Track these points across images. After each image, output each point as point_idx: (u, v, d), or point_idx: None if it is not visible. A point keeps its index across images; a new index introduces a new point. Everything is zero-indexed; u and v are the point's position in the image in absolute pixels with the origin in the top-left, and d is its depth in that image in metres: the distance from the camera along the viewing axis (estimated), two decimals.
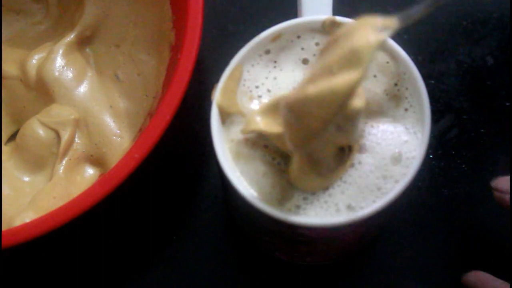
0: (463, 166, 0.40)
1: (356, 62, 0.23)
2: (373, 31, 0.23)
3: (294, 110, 0.25)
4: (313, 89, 0.24)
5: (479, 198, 0.39)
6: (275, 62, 0.31)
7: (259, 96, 0.30)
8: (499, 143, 0.40)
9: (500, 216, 0.38)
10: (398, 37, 0.30)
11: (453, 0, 0.42)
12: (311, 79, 0.24)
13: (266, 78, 0.31)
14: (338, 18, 0.31)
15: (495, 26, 0.42)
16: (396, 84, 0.30)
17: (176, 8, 0.36)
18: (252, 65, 0.31)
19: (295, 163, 0.28)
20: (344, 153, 0.29)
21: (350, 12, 0.33)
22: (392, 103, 0.30)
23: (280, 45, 0.31)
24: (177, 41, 0.36)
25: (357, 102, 0.26)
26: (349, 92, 0.23)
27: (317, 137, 0.25)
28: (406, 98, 0.29)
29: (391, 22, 0.24)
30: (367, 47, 0.23)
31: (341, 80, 0.23)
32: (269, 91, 0.30)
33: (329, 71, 0.24)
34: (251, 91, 0.30)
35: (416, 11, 0.24)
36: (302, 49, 0.31)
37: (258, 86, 0.30)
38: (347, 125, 0.27)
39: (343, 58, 0.23)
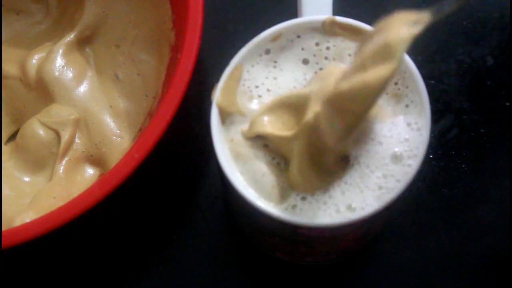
0: (463, 166, 0.40)
1: (388, 57, 0.23)
2: (405, 25, 0.24)
3: (332, 106, 0.25)
4: (346, 85, 0.24)
5: (479, 198, 0.39)
6: (275, 62, 0.31)
7: (259, 96, 0.30)
8: (499, 143, 0.40)
9: (500, 216, 0.38)
10: None
11: None
12: (345, 76, 0.25)
13: (266, 77, 0.31)
14: (338, 18, 0.31)
15: (495, 26, 0.42)
16: (396, 83, 0.30)
17: (176, 8, 0.36)
18: (252, 65, 0.31)
19: (295, 166, 0.28)
20: (347, 159, 0.29)
21: (350, 12, 0.33)
22: (393, 101, 0.30)
23: (280, 45, 0.31)
24: (177, 41, 0.36)
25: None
26: (382, 87, 0.23)
27: (353, 132, 0.25)
28: (407, 95, 0.29)
29: (424, 17, 0.24)
30: (399, 41, 0.23)
31: (373, 75, 0.23)
32: (269, 90, 0.30)
33: (362, 66, 0.24)
34: (251, 90, 0.30)
35: (448, 5, 0.24)
36: (302, 49, 0.31)
37: (258, 86, 0.30)
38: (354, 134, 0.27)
39: (376, 53, 0.24)
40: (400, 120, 0.29)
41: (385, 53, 0.23)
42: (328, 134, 0.26)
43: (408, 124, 0.29)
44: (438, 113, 0.41)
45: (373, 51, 0.24)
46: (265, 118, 0.29)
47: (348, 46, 0.31)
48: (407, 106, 0.29)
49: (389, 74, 0.23)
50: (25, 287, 0.39)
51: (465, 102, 0.41)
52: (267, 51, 0.31)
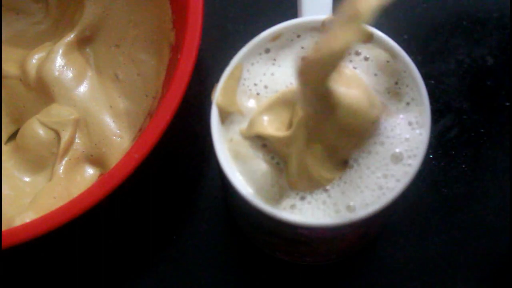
0: (463, 166, 0.40)
1: (354, 22, 0.23)
2: None
3: (301, 76, 0.25)
4: (313, 54, 0.24)
5: (479, 198, 0.39)
6: (274, 59, 0.31)
7: (257, 94, 0.30)
8: (499, 143, 0.40)
9: (500, 216, 0.38)
10: (398, 37, 0.30)
11: None
12: (314, 48, 0.25)
13: (264, 74, 0.31)
14: None
15: (495, 26, 0.42)
16: (396, 83, 0.30)
17: (176, 8, 0.36)
18: (252, 64, 0.31)
19: (294, 166, 0.28)
20: (346, 162, 0.29)
21: None
22: (393, 100, 0.30)
23: (280, 44, 0.31)
24: (177, 41, 0.36)
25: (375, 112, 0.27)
26: (343, 51, 0.23)
27: (315, 99, 0.25)
28: (407, 93, 0.29)
29: None
30: (368, 8, 0.23)
31: (337, 40, 0.23)
32: (266, 87, 0.30)
33: (330, 34, 0.24)
34: (250, 89, 0.30)
35: None
36: (302, 48, 0.31)
37: (257, 84, 0.30)
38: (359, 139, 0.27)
39: (344, 20, 0.23)
40: (402, 119, 0.29)
41: (351, 20, 0.23)
42: (302, 105, 0.26)
43: (410, 123, 0.29)
44: (438, 113, 0.40)
45: (342, 19, 0.23)
46: (264, 118, 0.29)
47: None
48: (408, 104, 0.29)
49: (350, 39, 0.23)
50: (25, 287, 0.39)
51: (465, 102, 0.41)
52: (267, 50, 0.31)
